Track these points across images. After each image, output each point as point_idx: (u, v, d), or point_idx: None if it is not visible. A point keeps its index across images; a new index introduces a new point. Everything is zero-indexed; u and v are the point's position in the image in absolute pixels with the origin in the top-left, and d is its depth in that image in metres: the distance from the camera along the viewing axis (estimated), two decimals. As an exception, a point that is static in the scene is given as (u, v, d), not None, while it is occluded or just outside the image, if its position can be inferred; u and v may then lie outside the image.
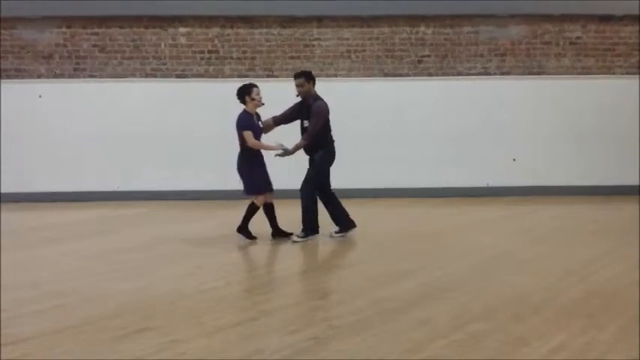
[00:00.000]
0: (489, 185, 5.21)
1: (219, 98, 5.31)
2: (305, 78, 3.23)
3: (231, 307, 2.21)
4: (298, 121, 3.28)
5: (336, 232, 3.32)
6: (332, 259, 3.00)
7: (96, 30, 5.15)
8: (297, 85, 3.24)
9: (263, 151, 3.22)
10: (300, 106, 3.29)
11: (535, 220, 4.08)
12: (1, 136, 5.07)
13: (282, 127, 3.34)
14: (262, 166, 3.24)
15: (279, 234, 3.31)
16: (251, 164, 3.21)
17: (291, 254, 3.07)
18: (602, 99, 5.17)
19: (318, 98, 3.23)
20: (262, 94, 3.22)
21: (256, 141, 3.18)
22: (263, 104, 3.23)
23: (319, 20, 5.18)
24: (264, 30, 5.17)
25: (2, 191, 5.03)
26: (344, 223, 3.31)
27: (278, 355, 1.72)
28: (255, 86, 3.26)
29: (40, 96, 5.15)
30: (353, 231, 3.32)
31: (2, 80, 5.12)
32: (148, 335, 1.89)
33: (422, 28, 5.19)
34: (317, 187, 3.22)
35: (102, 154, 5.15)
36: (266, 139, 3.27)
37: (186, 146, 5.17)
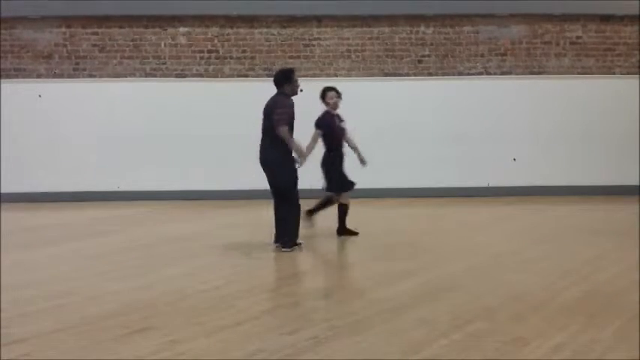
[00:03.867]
0: (490, 185, 5.21)
1: (218, 98, 5.30)
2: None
3: (232, 306, 2.21)
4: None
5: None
6: (332, 259, 3.01)
7: (96, 30, 5.15)
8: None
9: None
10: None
11: (535, 220, 4.08)
12: (1, 136, 5.07)
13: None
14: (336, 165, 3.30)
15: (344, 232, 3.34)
16: (331, 162, 3.27)
17: (291, 254, 3.06)
18: (603, 99, 5.16)
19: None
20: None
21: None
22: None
23: (319, 20, 5.18)
24: (264, 30, 5.16)
25: (2, 191, 5.03)
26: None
27: (278, 354, 1.72)
28: (333, 90, 3.32)
29: (39, 96, 5.14)
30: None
31: (2, 80, 5.11)
32: (148, 335, 1.89)
33: (422, 28, 5.18)
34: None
35: (102, 153, 5.15)
36: None
37: (186, 146, 5.16)
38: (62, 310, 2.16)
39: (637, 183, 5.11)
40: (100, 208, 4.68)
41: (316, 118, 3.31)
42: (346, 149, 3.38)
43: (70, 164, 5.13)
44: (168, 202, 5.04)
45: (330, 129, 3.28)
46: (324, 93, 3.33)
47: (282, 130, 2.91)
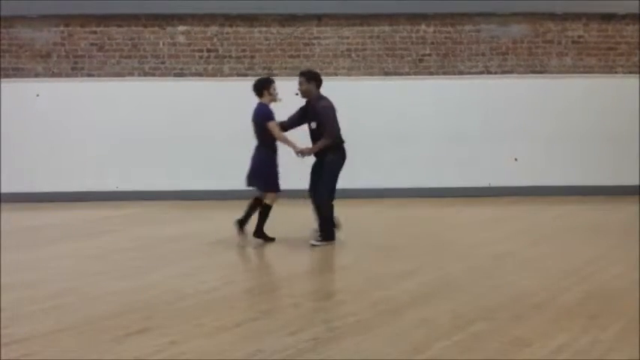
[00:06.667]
0: (491, 185, 5.19)
1: (217, 97, 5.28)
2: (305, 77, 3.19)
3: (232, 307, 2.20)
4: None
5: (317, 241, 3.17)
6: (332, 259, 2.98)
7: (94, 29, 5.13)
8: (298, 84, 3.22)
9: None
10: (305, 108, 3.24)
11: (536, 220, 4.08)
12: (1, 135, 5.06)
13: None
14: (277, 164, 3.16)
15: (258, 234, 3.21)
16: (272, 159, 3.14)
17: (291, 255, 3.06)
18: (604, 98, 5.14)
19: (321, 98, 3.16)
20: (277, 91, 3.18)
21: (283, 134, 3.09)
22: (280, 100, 3.20)
23: (319, 19, 5.15)
24: (264, 28, 5.14)
25: (2, 191, 5.01)
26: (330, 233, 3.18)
27: (278, 355, 1.72)
28: (273, 82, 3.25)
29: (37, 95, 5.12)
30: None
31: (0, 79, 5.09)
32: (148, 336, 1.89)
33: (423, 27, 5.17)
34: (331, 191, 3.12)
35: (101, 153, 5.13)
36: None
37: (185, 145, 5.15)
38: (62, 310, 2.15)
39: (637, 183, 5.10)
40: (100, 208, 4.67)
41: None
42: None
43: (68, 164, 5.11)
44: (167, 202, 5.03)
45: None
46: (269, 84, 3.19)
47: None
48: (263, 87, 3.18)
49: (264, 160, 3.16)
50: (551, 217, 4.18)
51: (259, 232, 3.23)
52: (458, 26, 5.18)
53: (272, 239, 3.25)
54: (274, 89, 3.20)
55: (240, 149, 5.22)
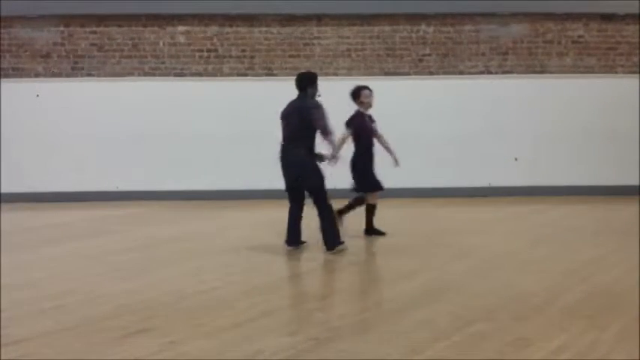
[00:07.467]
0: (491, 185, 5.19)
1: (217, 97, 5.28)
2: None
3: (231, 307, 2.20)
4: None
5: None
6: (331, 260, 2.96)
7: (94, 29, 5.14)
8: None
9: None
10: None
11: (536, 220, 4.08)
12: (1, 135, 5.06)
13: None
14: (370, 165, 3.27)
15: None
16: (363, 162, 3.25)
17: (291, 256, 3.06)
18: (604, 98, 5.15)
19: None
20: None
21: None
22: (371, 106, 3.29)
23: (319, 19, 5.17)
24: (264, 28, 5.15)
25: (2, 191, 5.02)
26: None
27: (278, 356, 1.72)
28: (365, 88, 3.32)
29: (37, 95, 5.13)
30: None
31: (0, 79, 5.09)
32: (148, 336, 1.89)
33: (423, 27, 5.17)
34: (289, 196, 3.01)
35: (100, 153, 5.14)
36: None
37: (185, 145, 5.16)
38: (62, 311, 2.15)
39: (637, 183, 5.10)
40: (99, 208, 4.67)
41: (347, 117, 3.29)
42: (376, 149, 3.37)
43: (68, 164, 5.11)
44: (166, 202, 5.04)
45: (361, 129, 3.27)
46: (358, 92, 3.28)
47: (333, 134, 2.94)
48: (355, 95, 3.27)
49: (357, 163, 3.26)
50: (551, 218, 4.19)
51: (371, 229, 3.33)
52: (458, 26, 5.18)
53: (384, 233, 3.34)
54: (365, 96, 3.27)
55: (240, 149, 5.22)
